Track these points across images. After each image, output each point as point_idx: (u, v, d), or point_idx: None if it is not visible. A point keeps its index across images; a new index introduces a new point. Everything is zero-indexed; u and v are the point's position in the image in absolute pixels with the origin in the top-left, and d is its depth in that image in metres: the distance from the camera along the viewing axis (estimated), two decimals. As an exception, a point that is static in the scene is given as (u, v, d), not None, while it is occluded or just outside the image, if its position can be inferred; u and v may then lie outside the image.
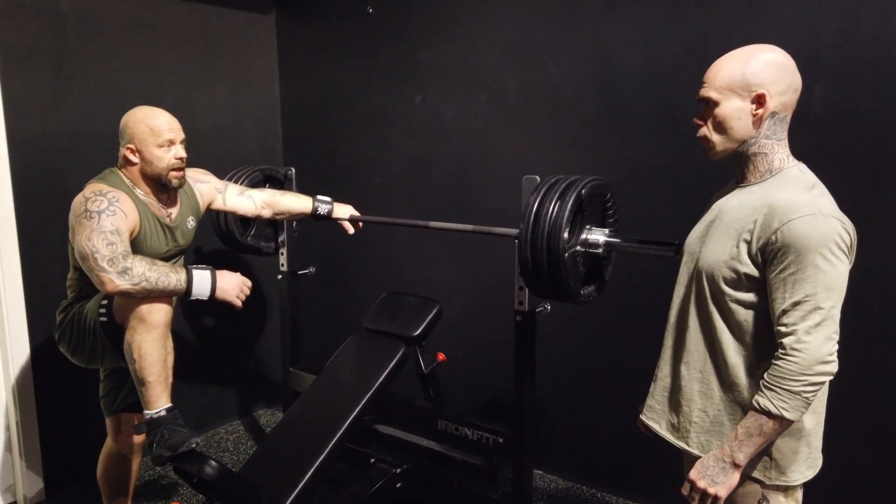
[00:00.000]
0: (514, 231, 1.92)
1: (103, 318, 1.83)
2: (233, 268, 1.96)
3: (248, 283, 1.95)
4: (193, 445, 1.76)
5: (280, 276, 2.74)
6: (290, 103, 3.50)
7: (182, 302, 2.12)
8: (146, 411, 1.81)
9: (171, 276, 1.79)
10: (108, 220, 1.78)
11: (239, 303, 1.93)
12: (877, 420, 2.10)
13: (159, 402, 1.80)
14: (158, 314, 1.76)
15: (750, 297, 1.30)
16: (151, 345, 1.76)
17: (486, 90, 2.81)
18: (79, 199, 1.87)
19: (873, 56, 1.98)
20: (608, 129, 2.53)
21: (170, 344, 1.83)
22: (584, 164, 2.57)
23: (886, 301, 2.04)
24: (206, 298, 1.86)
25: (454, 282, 3.00)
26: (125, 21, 2.81)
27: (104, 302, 1.83)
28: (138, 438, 2.23)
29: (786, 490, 1.35)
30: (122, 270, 1.72)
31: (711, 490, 1.30)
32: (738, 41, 2.15)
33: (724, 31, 2.23)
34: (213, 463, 1.76)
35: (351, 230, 2.45)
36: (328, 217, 2.39)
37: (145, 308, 1.74)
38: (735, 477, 1.30)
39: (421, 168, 3.07)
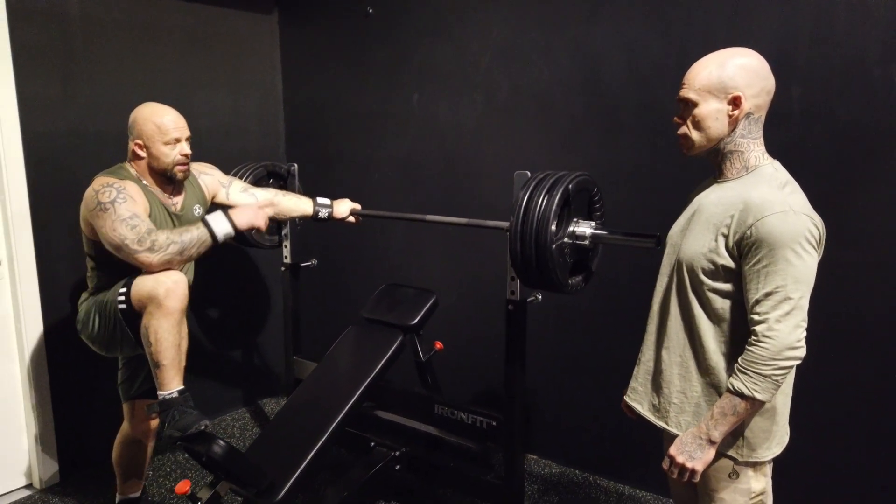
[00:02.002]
0: (505, 224, 2.02)
1: (122, 305, 1.93)
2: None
3: (263, 211, 2.08)
4: (203, 427, 1.86)
5: (283, 269, 2.85)
6: (293, 102, 3.59)
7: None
8: (159, 392, 1.91)
9: (191, 231, 1.92)
10: (122, 206, 1.89)
11: (262, 224, 2.06)
12: (841, 400, 2.21)
13: (172, 384, 1.91)
14: (174, 301, 1.87)
15: (727, 287, 1.39)
16: (167, 330, 1.87)
17: (478, 90, 2.91)
18: (89, 193, 1.98)
19: (847, 57, 2.07)
20: (595, 128, 2.63)
21: (184, 330, 1.93)
22: (572, 161, 2.66)
23: (855, 291, 2.14)
24: (233, 233, 1.99)
25: (448, 273, 3.11)
26: (131, 23, 2.90)
27: (122, 290, 1.93)
28: (153, 423, 2.34)
29: (755, 465, 1.45)
30: (150, 246, 1.85)
31: (689, 465, 1.40)
32: (718, 45, 2.24)
33: (704, 36, 2.32)
34: (221, 443, 1.87)
35: (353, 220, 2.54)
36: (329, 220, 2.49)
37: (162, 294, 1.85)
38: (710, 453, 1.40)
39: (416, 165, 3.17)
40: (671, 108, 2.38)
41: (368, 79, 3.26)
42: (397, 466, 2.49)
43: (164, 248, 1.87)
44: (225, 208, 2.04)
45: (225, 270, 3.36)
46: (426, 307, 2.49)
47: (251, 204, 2.05)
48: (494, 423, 2.26)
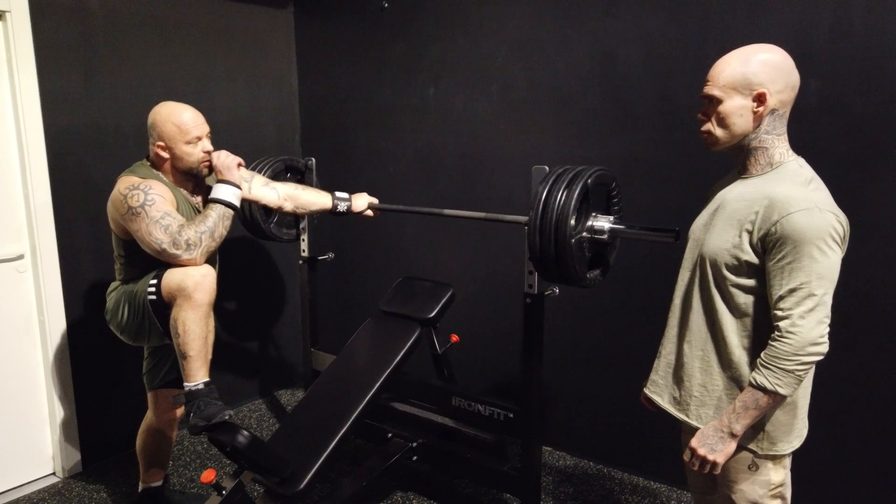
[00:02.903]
0: (524, 218, 2.03)
1: (152, 297, 1.96)
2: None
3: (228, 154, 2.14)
4: (227, 417, 1.89)
5: (301, 262, 2.88)
6: (308, 96, 3.61)
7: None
8: (185, 384, 1.94)
9: (209, 214, 1.98)
10: (152, 208, 1.92)
11: (236, 160, 2.12)
12: (861, 395, 2.22)
13: (198, 375, 1.94)
14: (203, 294, 1.90)
15: (750, 282, 1.40)
16: (195, 322, 1.90)
17: (495, 83, 2.91)
18: (116, 196, 1.99)
19: (865, 51, 2.07)
20: (611, 122, 2.63)
21: (212, 323, 1.97)
22: (589, 154, 2.67)
23: (874, 286, 2.15)
24: (238, 190, 2.07)
25: (462, 267, 3.13)
26: (149, 18, 2.93)
27: (153, 281, 1.97)
28: (177, 413, 2.38)
29: (774, 458, 1.46)
30: (185, 245, 1.90)
31: (710, 457, 1.43)
32: (736, 37, 2.28)
33: (722, 28, 2.32)
34: (245, 433, 1.90)
35: (371, 213, 2.56)
36: (347, 213, 2.51)
37: (191, 287, 1.88)
38: (732, 446, 1.42)
39: (431, 159, 3.18)
40: (688, 101, 2.42)
41: (384, 72, 3.28)
42: (414, 457, 2.53)
43: (199, 241, 1.92)
44: (217, 180, 2.07)
45: (241, 264, 3.40)
46: (443, 300, 2.51)
47: (218, 152, 2.10)
48: (511, 415, 2.28)
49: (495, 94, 2.92)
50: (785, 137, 1.44)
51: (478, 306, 3.08)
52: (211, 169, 2.14)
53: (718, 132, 1.45)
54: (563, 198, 1.85)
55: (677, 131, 2.47)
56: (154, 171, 2.09)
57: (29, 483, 2.79)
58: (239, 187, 2.08)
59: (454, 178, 3.12)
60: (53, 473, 2.86)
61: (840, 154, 2.16)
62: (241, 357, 3.54)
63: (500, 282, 3.01)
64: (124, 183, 2.00)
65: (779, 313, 1.34)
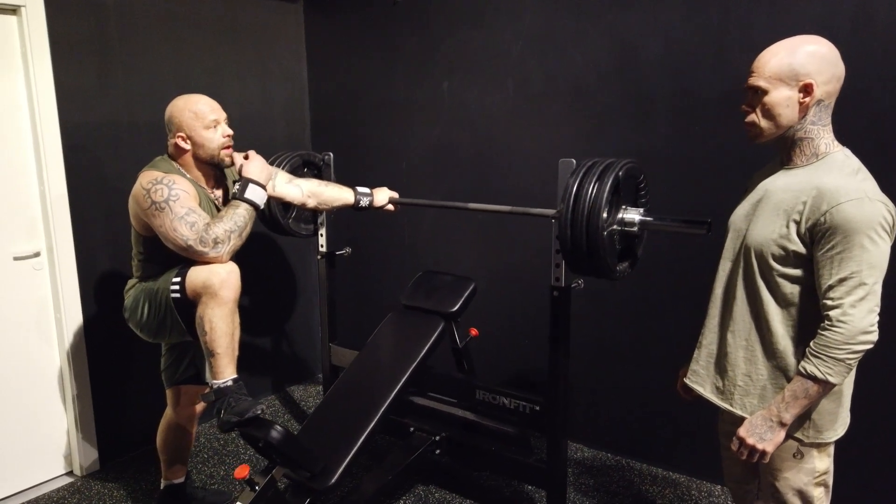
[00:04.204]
0: (552, 211, 2.04)
1: (176, 295, 1.94)
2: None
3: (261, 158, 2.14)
4: (259, 412, 1.88)
5: (319, 257, 2.87)
6: (318, 91, 3.59)
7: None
8: (213, 381, 1.93)
9: (238, 212, 1.95)
10: (176, 204, 1.89)
11: (269, 169, 2.12)
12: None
13: (226, 372, 1.93)
14: (229, 290, 1.89)
15: (797, 272, 1.41)
16: (221, 319, 1.89)
17: (510, 78, 2.91)
18: (138, 190, 1.96)
19: (887, 44, 2.09)
20: (630, 115, 2.64)
21: (237, 319, 1.95)
22: (607, 148, 2.68)
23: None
24: (265, 195, 2.06)
25: (479, 261, 3.13)
26: (162, 13, 2.90)
27: (176, 279, 1.94)
28: (197, 409, 2.37)
29: (819, 446, 1.48)
30: (213, 243, 1.87)
31: (760, 446, 1.43)
32: (757, 30, 2.29)
33: (743, 21, 2.33)
34: (279, 428, 1.89)
35: (391, 208, 2.55)
36: (368, 208, 2.50)
37: (217, 284, 1.86)
38: (781, 435, 1.43)
39: (446, 154, 3.18)
40: (708, 94, 2.43)
41: (396, 67, 3.26)
42: (437, 451, 2.53)
43: (227, 239, 1.89)
44: (244, 178, 2.03)
45: (253, 259, 3.38)
46: (466, 294, 2.51)
47: (254, 157, 2.08)
48: (537, 408, 2.29)
49: (511, 89, 2.92)
50: (830, 128, 1.45)
51: (495, 300, 3.08)
52: (232, 159, 2.12)
53: (763, 123, 1.46)
54: (595, 190, 1.84)
55: (697, 125, 2.48)
56: (175, 165, 2.07)
57: (46, 482, 2.77)
58: (264, 188, 2.05)
59: (468, 173, 3.11)
60: (71, 472, 2.84)
61: (860, 148, 2.16)
62: (254, 353, 3.52)
63: (518, 276, 3.02)
64: (147, 177, 1.97)
65: (829, 302, 1.35)
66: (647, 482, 2.72)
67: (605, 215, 1.84)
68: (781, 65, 1.41)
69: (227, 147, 2.08)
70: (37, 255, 2.64)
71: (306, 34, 3.56)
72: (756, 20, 2.30)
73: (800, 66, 1.39)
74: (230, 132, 2.09)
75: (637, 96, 2.60)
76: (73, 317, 2.71)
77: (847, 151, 1.45)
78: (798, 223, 1.39)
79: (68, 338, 2.71)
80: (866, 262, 1.31)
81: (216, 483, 2.73)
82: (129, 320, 2.14)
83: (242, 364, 1.99)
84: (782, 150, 1.50)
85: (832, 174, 1.39)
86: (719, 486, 2.64)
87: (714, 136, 2.45)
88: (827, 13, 2.17)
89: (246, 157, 2.08)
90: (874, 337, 1.34)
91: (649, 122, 2.59)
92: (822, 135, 1.44)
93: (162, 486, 2.47)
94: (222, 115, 2.08)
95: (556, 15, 2.74)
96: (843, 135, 2.20)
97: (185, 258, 1.93)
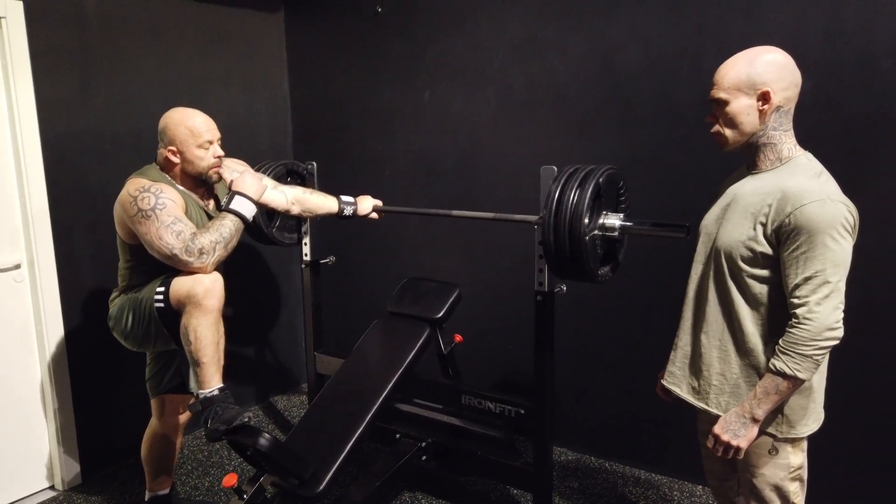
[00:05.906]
0: (535, 217, 2.07)
1: (159, 304, 1.94)
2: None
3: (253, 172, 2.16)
4: (246, 419, 1.88)
5: (304, 266, 2.87)
6: (301, 100, 3.61)
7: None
8: (200, 391, 1.93)
9: (225, 224, 1.95)
10: (163, 213, 1.90)
11: (262, 183, 2.14)
12: (871, 380, 2.30)
13: (212, 381, 1.93)
14: (213, 300, 1.89)
15: (764, 272, 1.47)
16: (206, 328, 1.89)
17: (492, 85, 2.95)
18: (125, 197, 1.96)
19: (857, 51, 2.16)
20: (611, 121, 2.69)
21: (221, 328, 1.96)
22: (588, 154, 2.72)
23: (874, 276, 2.23)
24: (255, 209, 2.06)
25: (463, 268, 3.16)
26: (143, 23, 2.90)
27: (160, 289, 1.95)
28: (182, 419, 2.36)
29: (793, 441, 1.53)
30: (198, 253, 1.87)
31: (734, 442, 1.48)
32: (733, 38, 2.36)
33: (719, 29, 2.40)
34: (267, 435, 1.90)
35: (376, 216, 2.58)
36: (353, 217, 2.51)
37: (201, 293, 1.87)
38: (754, 431, 1.48)
39: (429, 161, 3.21)
40: (687, 100, 2.49)
41: (378, 76, 3.29)
42: (423, 457, 2.54)
43: (212, 250, 1.90)
44: (233, 190, 2.04)
45: (236, 269, 3.36)
46: (451, 300, 2.54)
47: (244, 170, 2.09)
48: (523, 411, 2.31)
49: (493, 96, 2.96)
50: (791, 133, 1.52)
51: (480, 306, 3.11)
52: (220, 176, 2.13)
53: (728, 132, 1.52)
54: (577, 196, 1.89)
55: (676, 130, 2.54)
56: (164, 174, 2.08)
57: (28, 497, 2.73)
58: (254, 202, 2.05)
59: (451, 181, 3.15)
60: (52, 486, 2.81)
61: (833, 152, 2.23)
62: (238, 362, 3.51)
63: (502, 281, 3.05)
64: (134, 185, 1.97)
65: (795, 301, 1.40)
66: (630, 484, 2.76)
67: (586, 221, 1.88)
68: (740, 75, 1.47)
69: (217, 167, 2.10)
70: (17, 267, 2.61)
71: (287, 43, 3.58)
72: (731, 28, 2.37)
73: (757, 76, 1.46)
74: (221, 154, 2.10)
75: (617, 103, 2.66)
76: (55, 329, 2.69)
77: (809, 155, 1.52)
78: (765, 225, 1.44)
79: (50, 350, 2.68)
80: (830, 260, 1.37)
81: (201, 494, 2.72)
82: (113, 329, 2.13)
83: (226, 374, 1.99)
84: (748, 155, 1.56)
85: (796, 177, 1.44)
86: (700, 487, 2.69)
87: (692, 142, 2.51)
88: (799, 21, 2.24)
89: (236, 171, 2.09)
90: (840, 333, 1.39)
91: (629, 128, 2.65)
92: (784, 140, 1.50)
93: (147, 498, 2.45)
94: (216, 136, 2.09)
95: (538, 23, 2.79)
96: (816, 140, 2.27)
97: (170, 268, 1.94)
